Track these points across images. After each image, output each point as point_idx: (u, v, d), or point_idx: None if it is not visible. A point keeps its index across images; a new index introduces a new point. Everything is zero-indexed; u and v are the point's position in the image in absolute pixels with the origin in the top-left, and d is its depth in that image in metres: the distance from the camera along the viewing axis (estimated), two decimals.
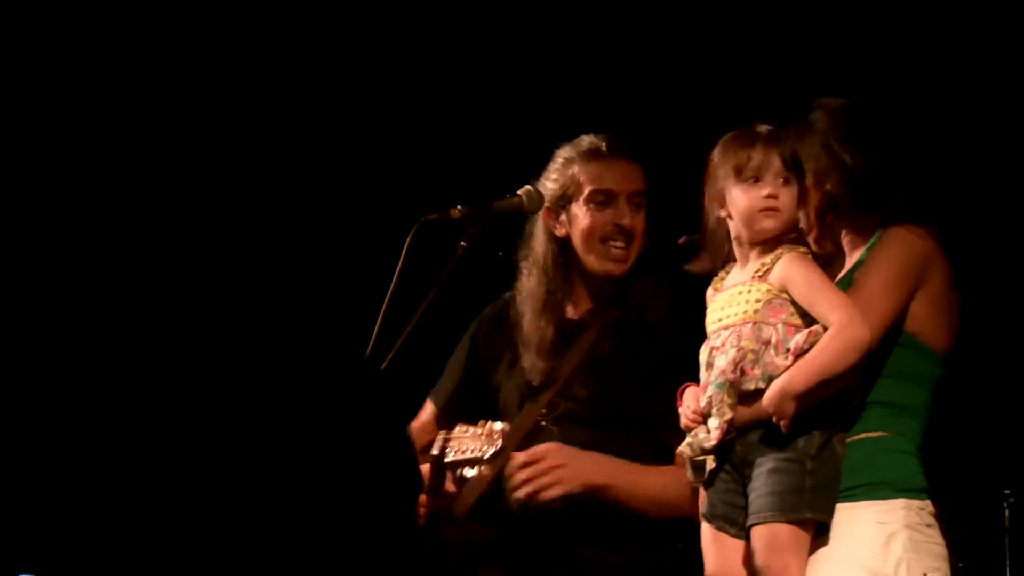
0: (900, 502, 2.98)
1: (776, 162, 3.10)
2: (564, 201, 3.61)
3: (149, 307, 5.07)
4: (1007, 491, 5.62)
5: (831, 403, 3.02)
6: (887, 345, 3.05)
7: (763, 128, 3.14)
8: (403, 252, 3.24)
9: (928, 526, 3.00)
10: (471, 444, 3.41)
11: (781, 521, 2.97)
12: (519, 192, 3.47)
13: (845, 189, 3.14)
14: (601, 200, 3.58)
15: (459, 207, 3.35)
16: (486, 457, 3.40)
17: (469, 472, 3.41)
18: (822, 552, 2.98)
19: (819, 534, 3.01)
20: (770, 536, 2.97)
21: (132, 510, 1.48)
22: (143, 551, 1.48)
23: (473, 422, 3.48)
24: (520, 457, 3.41)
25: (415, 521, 1.50)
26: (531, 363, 3.58)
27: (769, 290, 3.06)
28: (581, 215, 3.59)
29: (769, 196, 3.09)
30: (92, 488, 1.51)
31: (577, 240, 3.61)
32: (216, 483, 1.47)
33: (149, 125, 5.36)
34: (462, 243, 3.34)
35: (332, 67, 5.39)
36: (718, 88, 5.18)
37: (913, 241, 3.08)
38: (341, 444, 1.52)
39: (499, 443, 3.39)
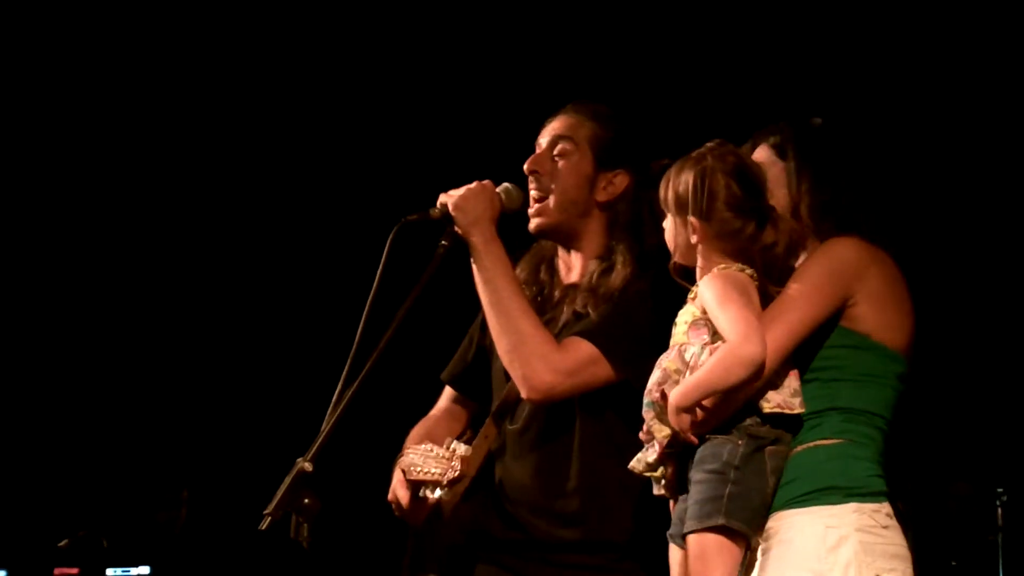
0: (851, 506, 2.95)
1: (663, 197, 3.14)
2: None
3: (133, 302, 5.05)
4: (1000, 490, 5.62)
5: (762, 416, 2.98)
6: (843, 351, 3.03)
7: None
8: (384, 254, 3.21)
9: (885, 527, 2.96)
10: (433, 466, 3.33)
11: (699, 529, 2.95)
12: (497, 190, 3.39)
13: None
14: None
15: (439, 207, 3.32)
16: (445, 482, 3.30)
17: (430, 493, 3.34)
18: (770, 556, 2.96)
19: (752, 545, 2.99)
20: (693, 545, 2.97)
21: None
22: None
23: (440, 441, 3.38)
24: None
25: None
26: None
27: (695, 312, 3.05)
28: None
29: None
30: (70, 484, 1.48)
31: None
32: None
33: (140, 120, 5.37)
34: (443, 243, 3.29)
35: (314, 68, 5.40)
36: (706, 90, 5.18)
37: (838, 252, 3.05)
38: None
39: (457, 469, 3.29)
